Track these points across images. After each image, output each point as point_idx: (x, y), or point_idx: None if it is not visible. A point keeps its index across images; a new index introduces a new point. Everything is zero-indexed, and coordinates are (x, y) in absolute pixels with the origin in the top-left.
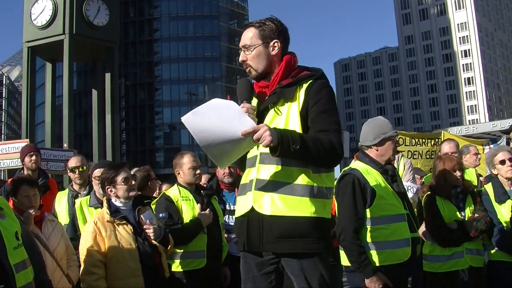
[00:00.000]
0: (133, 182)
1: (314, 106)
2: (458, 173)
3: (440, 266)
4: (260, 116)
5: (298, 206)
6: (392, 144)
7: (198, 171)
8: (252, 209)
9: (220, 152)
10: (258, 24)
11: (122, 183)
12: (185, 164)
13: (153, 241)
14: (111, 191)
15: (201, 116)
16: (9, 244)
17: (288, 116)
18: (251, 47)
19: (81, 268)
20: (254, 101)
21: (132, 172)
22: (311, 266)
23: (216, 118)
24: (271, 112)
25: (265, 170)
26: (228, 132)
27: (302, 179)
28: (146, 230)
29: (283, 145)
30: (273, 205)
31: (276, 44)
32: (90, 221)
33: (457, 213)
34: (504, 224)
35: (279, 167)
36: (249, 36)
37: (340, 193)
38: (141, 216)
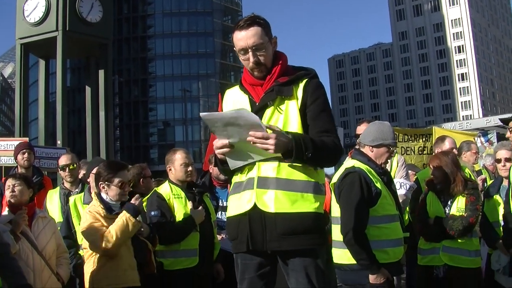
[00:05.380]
0: (128, 188)
1: (312, 105)
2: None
3: (421, 259)
4: (257, 113)
5: (302, 202)
6: (387, 153)
7: (190, 168)
8: (254, 207)
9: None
10: (259, 21)
11: (117, 186)
12: (177, 160)
13: (142, 238)
14: (103, 187)
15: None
16: None
17: (287, 114)
18: (264, 45)
19: (88, 245)
20: (245, 101)
21: None
22: (312, 262)
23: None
24: (270, 109)
25: (267, 167)
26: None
27: (304, 175)
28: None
29: (298, 151)
30: (277, 202)
31: (276, 40)
32: (85, 212)
33: (442, 210)
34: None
35: (281, 164)
36: (258, 34)
37: (346, 190)
38: None
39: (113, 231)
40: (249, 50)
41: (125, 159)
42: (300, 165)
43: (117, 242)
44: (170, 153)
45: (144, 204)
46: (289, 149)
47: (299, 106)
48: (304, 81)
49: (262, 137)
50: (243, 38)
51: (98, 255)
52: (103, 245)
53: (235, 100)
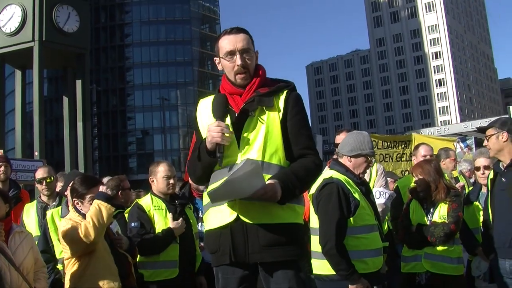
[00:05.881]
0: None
1: (293, 119)
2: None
3: (404, 266)
4: (238, 122)
5: (284, 213)
6: (366, 163)
7: (171, 181)
8: (237, 219)
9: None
10: (247, 32)
11: (89, 203)
12: (159, 172)
13: (122, 251)
14: (77, 203)
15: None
16: None
17: (268, 124)
18: (251, 51)
19: (68, 248)
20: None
21: (104, 181)
22: (295, 274)
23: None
24: (252, 119)
25: None
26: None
27: None
28: (117, 240)
29: (287, 194)
30: (259, 213)
31: (257, 55)
32: (63, 220)
33: (425, 217)
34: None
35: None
36: (247, 40)
37: (324, 201)
38: (109, 226)
39: (88, 218)
40: (237, 53)
41: (104, 168)
42: None
43: (95, 230)
44: (153, 165)
45: (126, 216)
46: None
47: (280, 118)
48: (285, 92)
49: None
50: (231, 41)
51: (79, 262)
52: (82, 236)
53: (207, 106)
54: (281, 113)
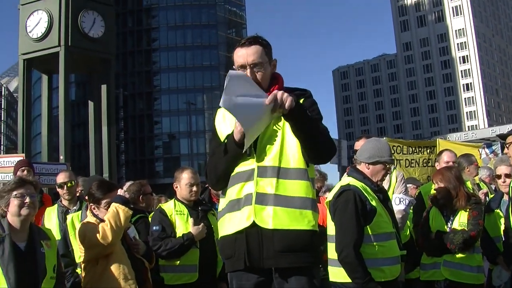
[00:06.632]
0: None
1: None
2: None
3: (423, 274)
4: None
5: (300, 219)
6: (384, 170)
7: (194, 188)
8: (253, 224)
9: (257, 126)
10: (262, 42)
11: (105, 208)
12: (183, 179)
13: (139, 256)
14: (94, 208)
15: (233, 95)
16: (48, 273)
17: (284, 131)
18: (263, 64)
19: (85, 253)
20: None
21: (126, 186)
22: (309, 280)
23: (243, 92)
24: (269, 127)
25: (265, 183)
26: (258, 105)
27: (302, 192)
28: (134, 245)
29: (300, 108)
30: (275, 218)
31: (275, 63)
32: (82, 223)
33: (445, 225)
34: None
35: (279, 180)
36: (258, 53)
37: (341, 209)
38: (127, 232)
39: (106, 220)
40: (248, 67)
41: (131, 172)
42: (299, 181)
43: (112, 231)
44: (178, 171)
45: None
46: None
47: None
48: (301, 100)
49: (275, 94)
50: (243, 55)
51: (96, 265)
52: (100, 238)
53: (225, 114)
54: None
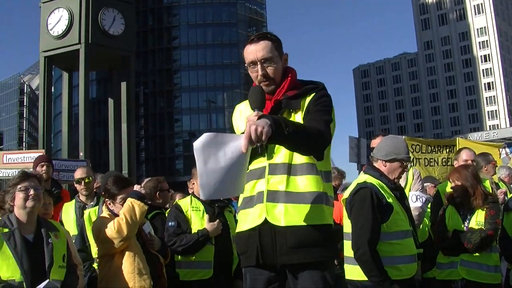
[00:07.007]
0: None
1: (312, 107)
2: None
3: (439, 273)
4: None
5: (312, 215)
6: (401, 168)
7: None
8: (265, 221)
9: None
10: (270, 37)
11: (120, 203)
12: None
13: (154, 252)
14: (109, 204)
15: (206, 167)
16: (56, 262)
17: None
18: (273, 59)
19: (101, 246)
20: None
21: (143, 183)
22: (322, 277)
23: (215, 155)
24: None
25: (276, 180)
26: (238, 159)
27: (314, 187)
28: (149, 241)
29: (278, 129)
30: (287, 215)
31: (287, 57)
32: (97, 218)
33: (461, 224)
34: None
35: (290, 177)
36: (267, 48)
37: (357, 206)
38: (142, 227)
39: (121, 215)
40: (258, 63)
41: (151, 170)
42: (310, 176)
43: (127, 226)
44: (194, 168)
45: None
46: (271, 125)
47: (303, 117)
48: (312, 94)
49: (249, 134)
50: (252, 51)
51: (112, 260)
52: (115, 232)
53: (242, 110)
54: (304, 112)
